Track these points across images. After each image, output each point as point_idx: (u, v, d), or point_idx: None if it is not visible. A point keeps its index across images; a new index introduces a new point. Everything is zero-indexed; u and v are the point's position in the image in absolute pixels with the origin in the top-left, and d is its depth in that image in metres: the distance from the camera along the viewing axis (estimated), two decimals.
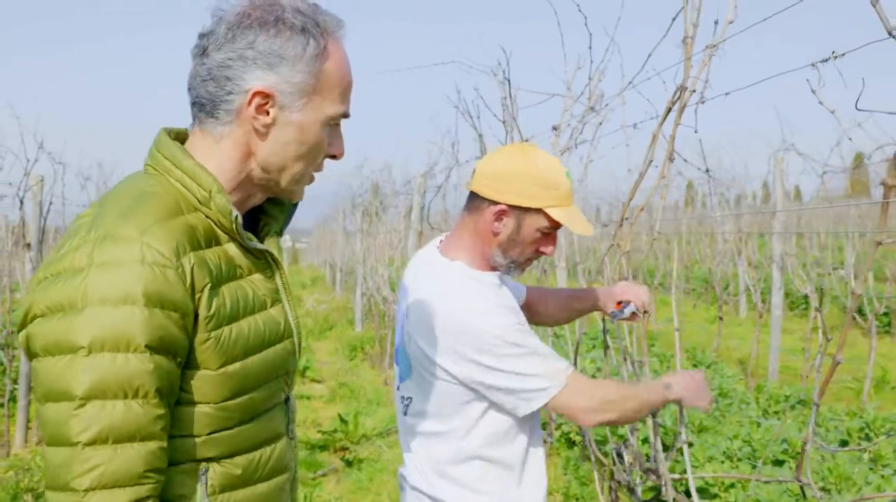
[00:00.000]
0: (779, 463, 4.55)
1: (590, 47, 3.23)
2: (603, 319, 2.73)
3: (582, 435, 4.82)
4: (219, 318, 1.29)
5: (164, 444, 1.24)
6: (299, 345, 1.52)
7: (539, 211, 1.97)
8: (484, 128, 4.30)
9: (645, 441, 4.17)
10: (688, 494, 3.58)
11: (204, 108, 1.36)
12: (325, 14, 1.37)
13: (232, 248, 1.37)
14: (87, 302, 1.17)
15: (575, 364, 3.09)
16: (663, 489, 2.49)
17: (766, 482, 2.85)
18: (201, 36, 1.34)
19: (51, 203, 6.39)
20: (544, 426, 5.48)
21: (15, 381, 6.58)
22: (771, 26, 2.35)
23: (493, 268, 2.07)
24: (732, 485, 4.15)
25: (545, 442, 5.48)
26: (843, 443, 5.27)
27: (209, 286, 1.28)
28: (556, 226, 2.01)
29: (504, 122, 3.65)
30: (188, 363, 1.28)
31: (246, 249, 1.40)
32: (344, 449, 6.27)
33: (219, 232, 1.35)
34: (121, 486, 1.18)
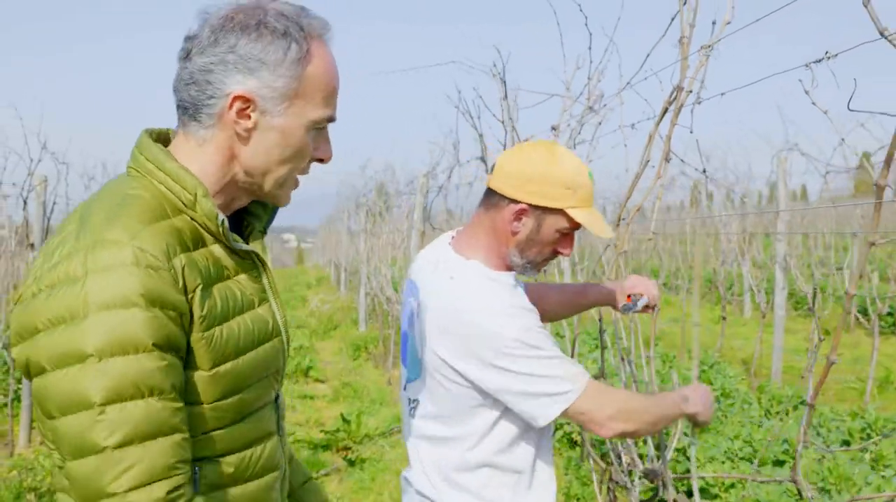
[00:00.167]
0: (779, 463, 4.54)
1: (589, 47, 3.23)
2: (600, 319, 2.73)
3: (581, 434, 4.82)
4: (211, 319, 1.30)
5: (187, 435, 1.26)
6: (288, 343, 1.53)
7: (560, 211, 1.93)
8: (484, 128, 4.30)
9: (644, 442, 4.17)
10: (689, 494, 3.59)
11: (187, 111, 1.36)
12: (310, 17, 1.37)
13: (217, 250, 1.37)
14: (89, 309, 1.17)
15: None
16: (661, 490, 2.49)
17: (762, 482, 2.85)
18: (186, 39, 1.35)
19: (54, 203, 6.41)
20: None
21: (19, 381, 6.60)
22: (768, 26, 2.35)
23: (509, 268, 2.02)
24: (733, 485, 4.15)
25: None
26: (845, 444, 5.26)
27: (201, 286, 1.28)
28: (575, 227, 1.96)
29: (503, 123, 3.66)
30: (183, 364, 1.28)
31: (232, 250, 1.40)
32: (346, 448, 6.28)
33: (204, 234, 1.36)
34: (157, 480, 1.19)
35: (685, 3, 2.32)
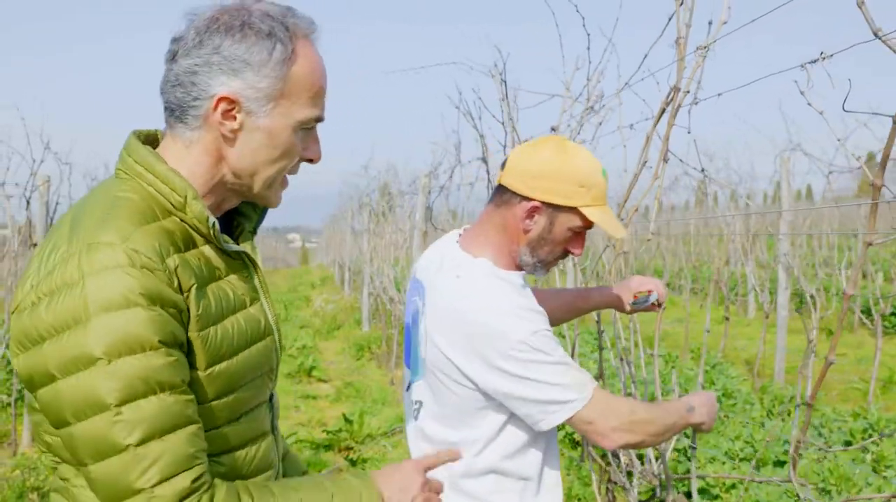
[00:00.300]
0: (780, 463, 4.54)
1: (588, 48, 3.23)
2: (598, 320, 2.73)
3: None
4: (206, 318, 1.30)
5: (201, 424, 1.28)
6: (280, 341, 1.53)
7: (573, 210, 1.88)
8: (485, 128, 4.30)
9: None
10: (688, 495, 3.58)
11: (174, 113, 1.36)
12: (296, 17, 1.37)
13: (208, 250, 1.38)
14: (91, 312, 1.17)
15: None
16: (658, 490, 2.49)
17: (759, 482, 2.85)
18: (172, 41, 1.35)
19: (57, 203, 6.42)
20: None
21: None
22: (765, 26, 2.35)
23: (518, 267, 1.97)
24: (734, 486, 4.15)
25: None
26: (847, 445, 5.25)
27: (195, 286, 1.29)
28: (588, 225, 1.92)
29: (503, 124, 3.66)
30: None
31: (222, 251, 1.40)
32: (348, 448, 6.29)
33: (195, 235, 1.36)
34: (181, 471, 1.21)
35: (682, 4, 2.32)
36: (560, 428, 1.83)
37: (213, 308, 1.33)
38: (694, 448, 2.34)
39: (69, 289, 1.19)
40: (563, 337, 3.66)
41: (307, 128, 1.41)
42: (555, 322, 2.48)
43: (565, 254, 1.98)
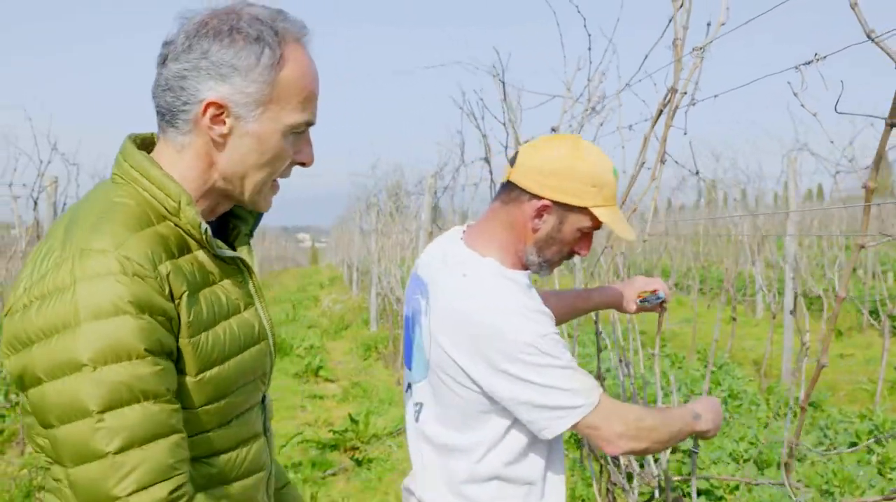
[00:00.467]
0: (784, 465, 4.52)
1: (589, 48, 3.23)
2: (596, 320, 2.73)
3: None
4: (197, 324, 1.31)
5: (185, 434, 1.28)
6: (274, 346, 1.53)
7: (584, 210, 1.83)
8: (488, 129, 4.32)
9: None
10: (688, 496, 3.58)
11: (164, 117, 1.37)
12: (286, 21, 1.36)
13: (202, 255, 1.38)
14: (80, 318, 1.18)
15: None
16: (657, 492, 2.49)
17: (756, 484, 2.84)
18: (164, 45, 1.35)
19: (65, 204, 6.45)
20: None
21: None
22: (764, 25, 2.35)
23: (524, 266, 1.91)
24: (737, 487, 4.14)
25: None
26: (853, 446, 5.23)
27: (186, 293, 1.29)
28: (597, 226, 1.88)
29: (504, 125, 3.66)
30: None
31: (216, 255, 1.41)
32: (354, 448, 6.30)
33: (189, 240, 1.36)
34: (159, 481, 1.21)
35: (681, 6, 2.32)
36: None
37: (205, 314, 1.33)
38: (695, 451, 2.34)
39: (60, 293, 1.20)
40: (571, 336, 3.66)
41: (298, 133, 1.40)
42: (557, 322, 2.46)
43: (571, 254, 1.94)
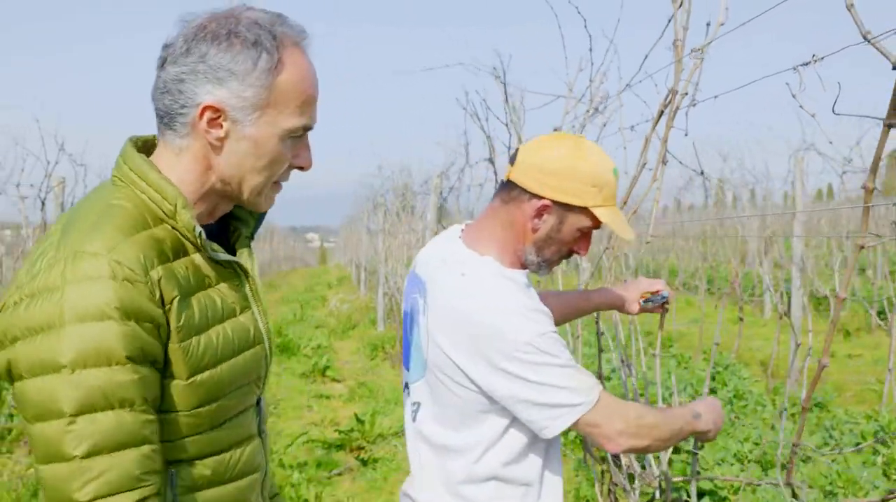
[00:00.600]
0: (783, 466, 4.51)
1: (590, 49, 3.23)
2: (597, 321, 2.73)
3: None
4: (188, 329, 1.31)
5: (157, 446, 1.27)
6: (270, 349, 1.53)
7: (584, 209, 1.82)
8: (491, 129, 4.32)
9: None
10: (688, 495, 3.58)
11: (163, 119, 1.37)
12: (285, 25, 1.36)
13: (198, 258, 1.38)
14: (65, 320, 1.19)
15: None
16: (658, 493, 2.49)
17: (758, 485, 2.84)
18: (163, 47, 1.36)
19: (72, 204, 6.49)
20: None
21: None
22: (765, 24, 2.34)
23: (523, 266, 1.91)
24: (747, 487, 4.13)
25: None
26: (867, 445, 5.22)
27: (178, 298, 1.30)
28: (597, 226, 1.87)
29: (507, 126, 3.67)
30: (161, 373, 1.30)
31: (213, 258, 1.41)
32: (360, 448, 6.31)
33: (186, 243, 1.37)
34: (123, 491, 1.21)
35: (680, 6, 2.32)
36: (567, 430, 1.81)
37: (198, 318, 1.33)
38: (696, 452, 2.34)
39: (49, 293, 1.21)
40: (576, 336, 3.66)
41: (296, 137, 1.40)
42: (556, 322, 2.45)
43: (570, 253, 1.94)
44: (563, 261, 2.18)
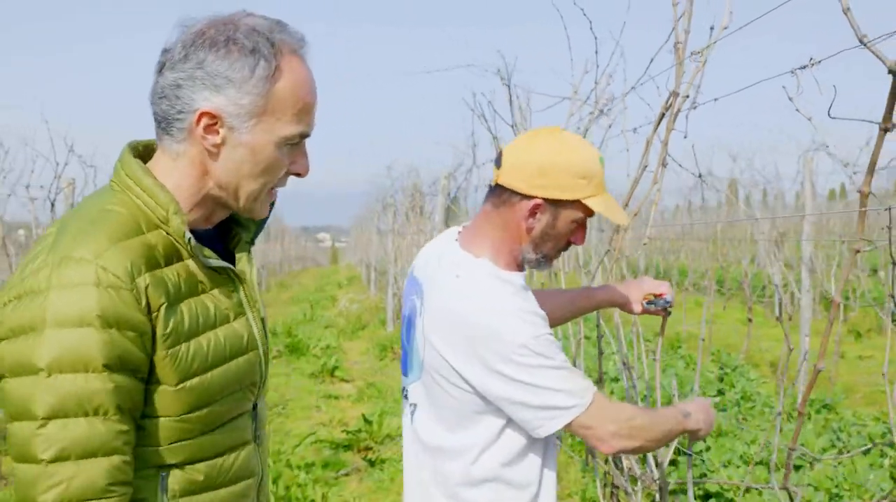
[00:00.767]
0: (795, 468, 4.50)
1: (596, 51, 3.23)
2: (598, 323, 2.73)
3: None
4: (176, 336, 1.31)
5: (128, 458, 1.28)
6: (266, 356, 1.54)
7: (575, 202, 1.83)
8: (498, 130, 4.32)
9: None
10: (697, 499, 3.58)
11: (160, 124, 1.38)
12: (284, 32, 1.36)
13: (192, 264, 1.39)
14: (46, 324, 1.21)
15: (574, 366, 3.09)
16: (657, 495, 2.49)
17: (756, 488, 2.83)
18: (162, 52, 1.36)
19: None
20: None
21: None
22: (767, 25, 2.34)
23: (519, 267, 1.91)
24: (748, 490, 4.12)
25: (558, 443, 5.48)
26: (866, 450, 5.20)
27: (165, 305, 1.30)
28: (591, 214, 1.87)
29: (512, 127, 3.67)
30: (148, 379, 1.31)
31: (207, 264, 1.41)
32: (367, 448, 6.32)
33: (180, 248, 1.37)
34: (86, 500, 1.22)
35: (682, 17, 2.32)
36: (560, 431, 1.81)
37: (187, 324, 1.33)
38: (689, 454, 2.34)
39: (34, 296, 1.22)
40: (587, 338, 3.67)
41: (293, 144, 1.40)
42: (557, 321, 2.38)
43: (568, 245, 1.95)
44: (563, 262, 2.18)
